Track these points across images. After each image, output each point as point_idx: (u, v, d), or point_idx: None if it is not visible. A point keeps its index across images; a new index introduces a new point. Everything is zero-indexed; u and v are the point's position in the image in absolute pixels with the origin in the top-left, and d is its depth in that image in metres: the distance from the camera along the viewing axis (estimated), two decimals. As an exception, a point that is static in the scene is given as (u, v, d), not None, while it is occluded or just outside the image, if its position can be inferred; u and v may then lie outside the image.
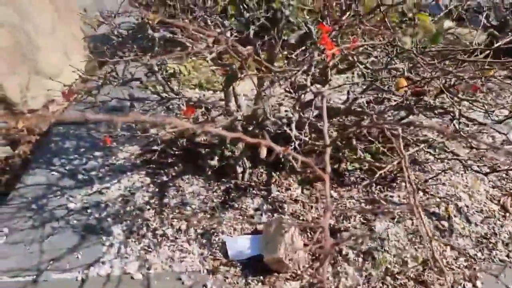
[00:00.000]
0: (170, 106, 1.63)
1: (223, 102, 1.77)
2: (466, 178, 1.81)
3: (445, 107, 1.40)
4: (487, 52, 1.77)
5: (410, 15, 1.93)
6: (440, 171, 1.79)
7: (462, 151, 1.94)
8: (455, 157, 1.62)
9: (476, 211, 1.67)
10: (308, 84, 1.14)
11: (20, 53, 2.49)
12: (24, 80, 2.53)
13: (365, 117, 1.29)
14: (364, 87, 1.32)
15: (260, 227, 1.55)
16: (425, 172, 1.83)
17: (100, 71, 2.63)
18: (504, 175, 1.91)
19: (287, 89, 1.34)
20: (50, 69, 2.72)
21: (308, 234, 1.51)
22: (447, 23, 0.77)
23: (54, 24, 2.77)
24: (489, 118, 1.71)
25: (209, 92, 2.57)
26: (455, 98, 1.53)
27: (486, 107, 1.66)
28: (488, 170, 1.78)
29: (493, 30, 2.93)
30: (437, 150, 1.86)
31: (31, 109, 2.60)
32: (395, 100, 1.32)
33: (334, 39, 1.26)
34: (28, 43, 2.54)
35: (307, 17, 1.24)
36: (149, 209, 1.64)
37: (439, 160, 1.83)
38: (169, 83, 1.85)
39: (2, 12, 2.38)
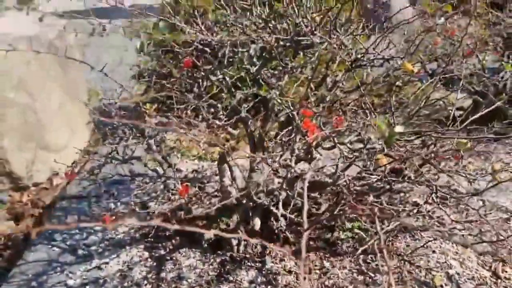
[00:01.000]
0: (167, 182, 1.73)
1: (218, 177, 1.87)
2: (456, 245, 1.85)
3: (424, 180, 1.48)
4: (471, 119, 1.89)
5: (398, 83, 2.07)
6: (430, 239, 1.84)
7: (451, 217, 2.00)
8: (439, 229, 1.68)
9: (468, 279, 1.70)
10: (293, 165, 1.23)
11: (28, 130, 2.64)
12: (30, 156, 2.65)
13: (346, 196, 1.37)
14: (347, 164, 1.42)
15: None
16: (416, 240, 1.87)
17: (103, 146, 2.76)
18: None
19: (274, 168, 1.43)
20: (56, 144, 2.86)
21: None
22: (399, 128, 0.87)
23: (61, 102, 2.95)
24: (472, 185, 1.79)
25: (207, 163, 2.68)
26: (436, 170, 1.62)
27: (469, 176, 1.74)
28: (474, 240, 1.83)
29: (477, 96, 3.09)
30: (426, 218, 1.91)
31: (35, 182, 2.71)
32: (375, 177, 1.41)
33: (317, 119, 1.37)
34: (36, 121, 2.69)
35: (290, 102, 1.37)
36: (146, 284, 1.68)
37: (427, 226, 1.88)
38: (169, 155, 1.96)
39: (13, 94, 2.55)
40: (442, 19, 1.32)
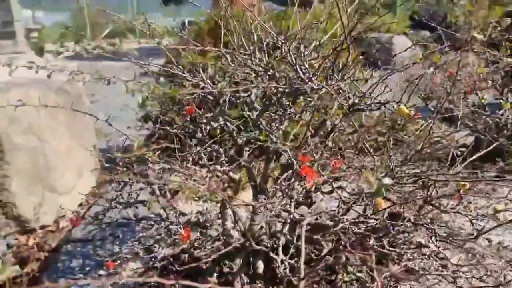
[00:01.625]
0: (170, 227, 1.76)
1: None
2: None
3: (424, 223, 1.49)
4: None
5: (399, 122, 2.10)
6: (434, 282, 1.82)
7: (455, 257, 1.98)
8: (443, 273, 1.67)
9: (475, 322, 1.66)
10: (292, 210, 1.25)
11: (37, 173, 2.69)
12: (38, 198, 2.69)
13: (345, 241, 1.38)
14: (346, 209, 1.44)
15: None
16: (420, 282, 1.85)
17: (109, 187, 2.80)
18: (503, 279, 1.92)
19: (274, 214, 1.45)
20: (63, 186, 2.91)
21: None
22: (387, 180, 0.90)
23: (69, 144, 3.02)
24: (475, 226, 1.78)
25: (211, 204, 2.70)
26: (437, 210, 1.62)
27: (470, 216, 1.74)
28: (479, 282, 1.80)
29: (479, 134, 3.11)
30: (430, 259, 1.90)
31: (42, 225, 2.73)
32: (374, 221, 1.42)
33: (315, 163, 1.40)
34: (45, 164, 2.75)
35: (288, 147, 1.40)
36: (148, 330, 1.67)
37: (432, 268, 1.86)
38: (173, 198, 1.99)
39: (23, 138, 2.62)
40: (431, 68, 1.37)
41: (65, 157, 2.97)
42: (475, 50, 2.97)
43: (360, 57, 3.15)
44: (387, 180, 0.90)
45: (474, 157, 2.04)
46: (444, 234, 1.83)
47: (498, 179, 2.24)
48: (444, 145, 2.82)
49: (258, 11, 2.76)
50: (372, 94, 1.66)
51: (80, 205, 3.02)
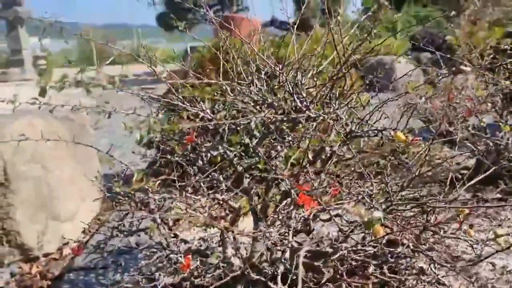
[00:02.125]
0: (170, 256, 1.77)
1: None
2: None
3: (422, 250, 1.49)
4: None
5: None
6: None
7: (458, 283, 1.96)
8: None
9: None
10: (290, 239, 1.26)
11: (41, 202, 2.72)
12: (41, 226, 2.71)
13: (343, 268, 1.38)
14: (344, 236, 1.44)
15: None
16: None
17: (112, 214, 2.81)
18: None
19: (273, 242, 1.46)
20: (67, 213, 2.93)
21: None
22: (377, 214, 0.91)
23: (73, 172, 3.05)
24: (477, 250, 1.77)
25: (213, 230, 2.70)
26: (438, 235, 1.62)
27: (470, 241, 1.74)
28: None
29: (480, 157, 3.12)
30: (432, 286, 1.88)
31: (46, 253, 2.74)
32: (372, 248, 1.42)
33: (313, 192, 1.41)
34: (48, 192, 2.78)
35: (286, 177, 1.42)
36: None
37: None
38: (175, 225, 2.00)
39: (28, 167, 2.66)
40: (423, 98, 1.40)
41: (69, 185, 3.00)
42: (474, 73, 3.01)
43: (360, 82, 3.21)
44: (378, 214, 0.91)
45: (475, 180, 2.05)
46: (448, 259, 1.83)
47: (500, 203, 2.25)
48: (445, 168, 2.83)
49: (257, 39, 2.82)
50: (369, 121, 1.69)
51: (84, 231, 3.03)
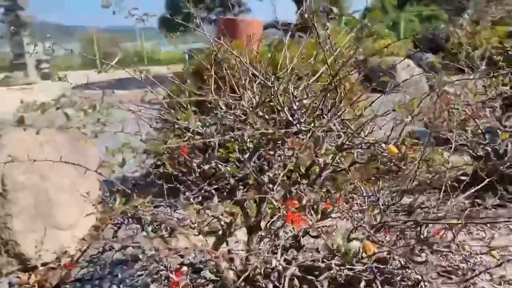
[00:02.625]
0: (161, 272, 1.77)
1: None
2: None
3: (413, 266, 1.48)
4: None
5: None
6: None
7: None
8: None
9: None
10: (278, 257, 1.26)
11: (39, 211, 2.72)
12: (39, 236, 2.72)
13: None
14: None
15: None
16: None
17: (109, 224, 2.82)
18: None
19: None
20: (65, 221, 2.93)
21: None
22: (355, 244, 0.90)
23: (72, 180, 3.05)
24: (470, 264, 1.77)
25: (211, 239, 2.70)
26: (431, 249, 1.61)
27: (466, 253, 1.73)
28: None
29: (479, 162, 3.09)
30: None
31: (44, 262, 2.74)
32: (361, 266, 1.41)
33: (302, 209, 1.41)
34: (47, 201, 2.79)
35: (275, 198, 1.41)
36: None
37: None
38: (171, 236, 1.99)
39: (26, 176, 2.67)
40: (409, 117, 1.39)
41: (68, 192, 3.00)
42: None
43: (359, 86, 3.18)
44: (354, 244, 0.90)
45: (473, 190, 2.04)
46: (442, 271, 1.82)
47: (497, 209, 2.22)
48: (443, 174, 2.80)
49: (258, 44, 2.80)
50: (361, 133, 1.68)
51: (83, 239, 3.03)
